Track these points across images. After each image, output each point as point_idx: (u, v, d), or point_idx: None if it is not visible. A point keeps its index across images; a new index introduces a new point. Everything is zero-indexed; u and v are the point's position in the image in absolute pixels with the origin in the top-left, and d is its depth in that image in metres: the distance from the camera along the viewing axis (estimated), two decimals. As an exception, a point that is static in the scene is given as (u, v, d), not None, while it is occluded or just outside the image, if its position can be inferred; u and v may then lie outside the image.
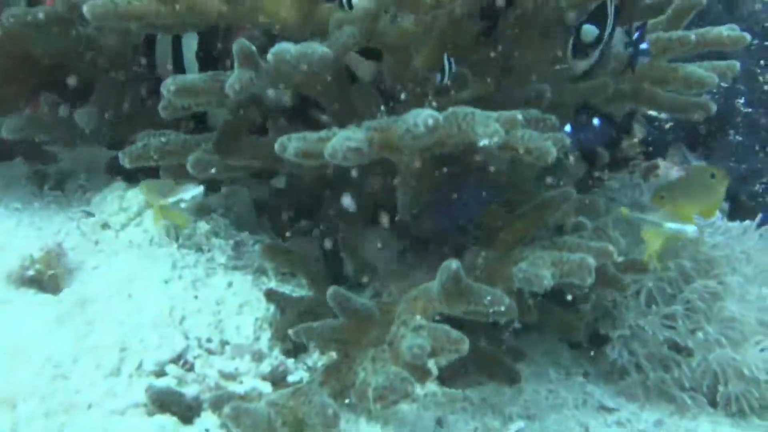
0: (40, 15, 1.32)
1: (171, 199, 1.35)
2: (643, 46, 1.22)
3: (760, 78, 2.24)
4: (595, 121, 1.31)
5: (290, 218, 1.65)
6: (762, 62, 2.28)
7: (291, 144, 1.04)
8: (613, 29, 1.29)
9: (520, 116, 1.05)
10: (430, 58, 1.26)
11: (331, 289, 1.11)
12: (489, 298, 1.02)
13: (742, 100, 2.17)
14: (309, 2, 1.19)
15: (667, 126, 1.99)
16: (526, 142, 1.06)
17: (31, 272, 1.30)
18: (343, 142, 1.00)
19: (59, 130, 1.50)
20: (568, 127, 1.26)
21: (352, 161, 1.02)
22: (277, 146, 1.05)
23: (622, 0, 1.30)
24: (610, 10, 1.27)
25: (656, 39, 1.27)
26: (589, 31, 1.26)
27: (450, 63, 1.18)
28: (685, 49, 1.31)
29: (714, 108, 1.42)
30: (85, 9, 1.12)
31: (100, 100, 1.49)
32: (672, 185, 1.40)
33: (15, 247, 1.36)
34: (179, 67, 1.52)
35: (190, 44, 1.53)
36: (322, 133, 1.06)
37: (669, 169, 1.89)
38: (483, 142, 1.02)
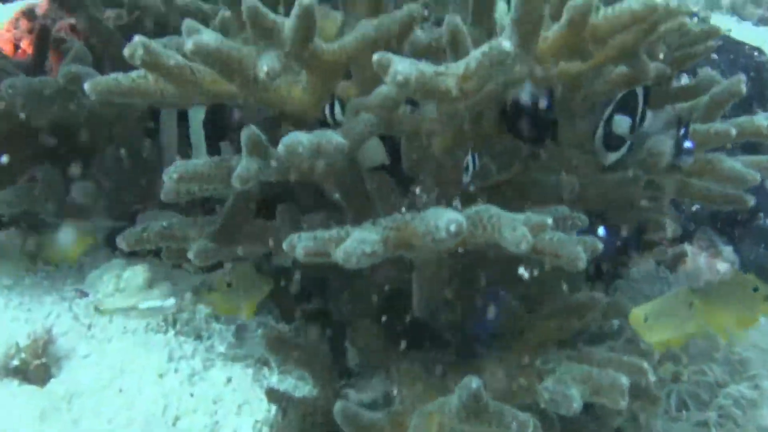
0: (41, 86, 1.25)
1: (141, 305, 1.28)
2: (688, 144, 1.13)
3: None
4: (601, 231, 1.22)
5: (296, 299, 1.56)
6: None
7: (300, 243, 0.96)
8: (643, 117, 1.22)
9: (550, 220, 0.97)
10: (451, 145, 1.19)
11: (338, 405, 1.02)
12: (514, 424, 0.92)
13: (775, 183, 2.08)
14: (323, 85, 1.11)
15: (694, 209, 1.90)
16: (556, 248, 0.98)
17: (16, 362, 1.21)
18: (357, 245, 0.92)
19: (55, 203, 1.41)
20: (601, 230, 1.17)
21: (367, 264, 0.94)
22: (285, 245, 0.97)
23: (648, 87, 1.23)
24: (641, 98, 1.20)
25: (693, 131, 1.19)
26: (623, 121, 1.18)
27: (474, 158, 1.11)
28: (724, 143, 1.23)
29: (751, 202, 1.34)
30: (86, 86, 1.05)
31: (99, 173, 1.41)
32: (707, 290, 1.30)
33: (1, 331, 1.27)
34: (184, 137, 1.45)
35: (197, 114, 1.46)
36: (334, 232, 0.98)
37: (697, 256, 1.79)
38: (509, 248, 0.94)
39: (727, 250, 1.89)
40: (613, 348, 1.15)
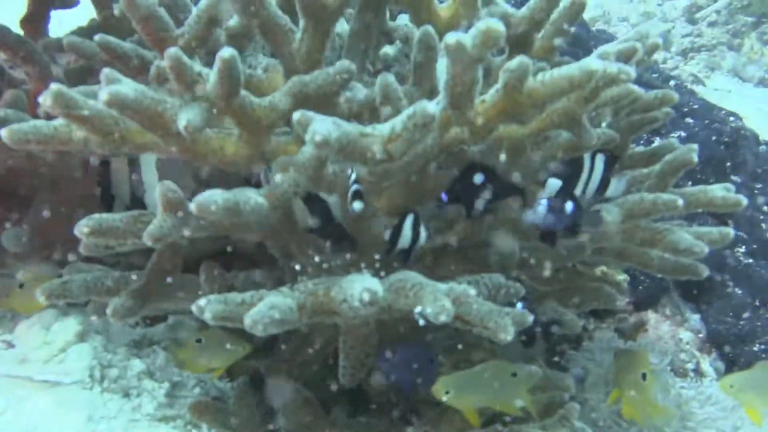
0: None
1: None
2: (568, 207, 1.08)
3: (763, 225, 2.12)
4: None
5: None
6: (766, 208, 2.16)
7: (209, 306, 0.91)
8: (605, 184, 1.18)
9: (473, 291, 0.92)
10: (386, 207, 1.15)
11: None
12: None
13: (743, 249, 2.04)
14: (255, 139, 1.07)
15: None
16: (482, 319, 0.93)
17: (-75, 416, 1.15)
18: (266, 311, 0.87)
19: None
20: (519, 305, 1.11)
21: (278, 330, 0.89)
22: (194, 308, 0.91)
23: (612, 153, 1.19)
24: (589, 165, 1.16)
25: (641, 200, 1.15)
26: (552, 185, 1.14)
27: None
28: (674, 213, 1.18)
29: (706, 273, 1.29)
30: (3, 133, 1.00)
31: (34, 220, 1.36)
32: (742, 377, 1.25)
33: None
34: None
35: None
36: (247, 295, 0.93)
37: (660, 324, 1.73)
38: (430, 318, 0.89)
39: (694, 318, 1.84)
40: (545, 426, 1.08)
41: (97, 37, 1.20)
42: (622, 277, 1.75)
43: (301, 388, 1.23)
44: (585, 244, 1.17)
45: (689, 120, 2.18)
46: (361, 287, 0.87)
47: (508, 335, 0.91)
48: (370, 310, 0.89)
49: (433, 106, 0.87)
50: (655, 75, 2.55)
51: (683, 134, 2.12)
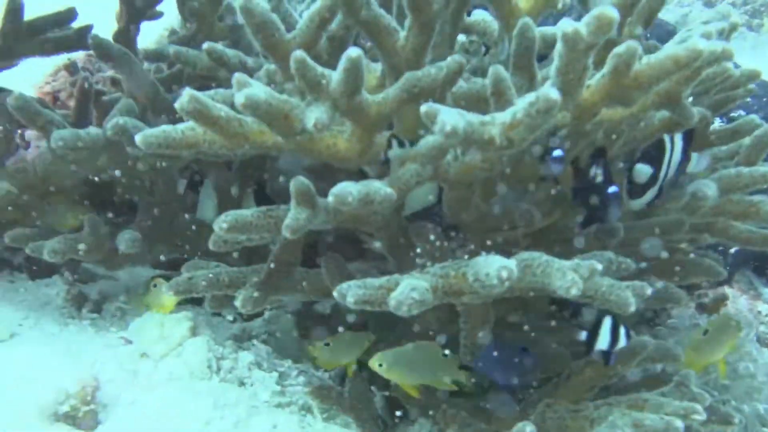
0: (89, 139, 1.28)
1: None
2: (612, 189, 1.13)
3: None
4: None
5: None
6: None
7: (350, 291, 0.97)
8: (686, 160, 1.22)
9: (599, 266, 0.97)
10: (490, 192, 1.20)
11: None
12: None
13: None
14: (367, 135, 1.13)
15: (732, 250, 1.89)
16: (606, 293, 0.98)
17: (65, 408, 1.22)
18: (408, 292, 0.93)
19: (102, 252, 1.44)
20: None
21: (418, 311, 0.95)
22: (336, 294, 0.98)
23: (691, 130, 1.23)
24: (669, 146, 1.20)
25: (738, 174, 1.19)
26: (643, 171, 1.18)
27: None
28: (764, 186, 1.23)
29: (793, 242, 1.33)
30: (137, 139, 1.07)
31: (143, 222, 1.44)
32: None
33: (49, 378, 1.28)
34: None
35: None
36: (383, 281, 0.99)
37: (737, 298, 1.77)
38: (560, 292, 0.94)
39: (767, 291, 1.87)
40: (663, 393, 1.13)
41: (205, 45, 1.27)
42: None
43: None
44: (683, 219, 1.22)
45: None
46: (497, 266, 0.92)
47: (630, 307, 0.97)
48: (504, 288, 0.94)
49: (555, 92, 0.92)
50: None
51: (742, 112, 2.15)
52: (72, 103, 1.94)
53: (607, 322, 1.10)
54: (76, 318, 1.52)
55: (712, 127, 1.46)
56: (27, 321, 1.46)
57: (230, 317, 1.65)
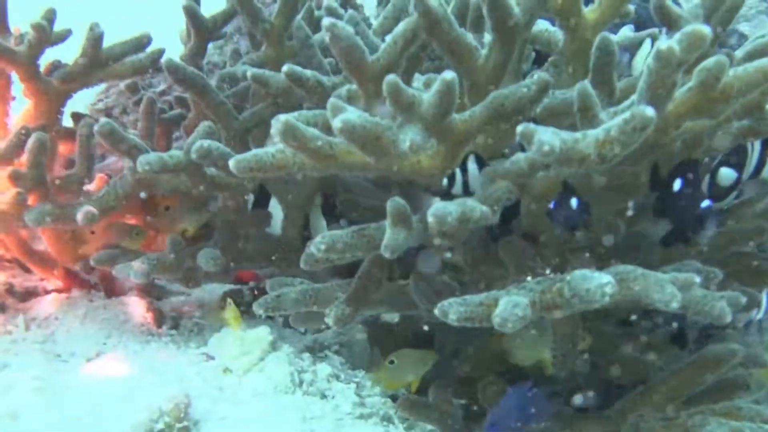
0: (173, 162, 1.31)
1: None
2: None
3: None
4: None
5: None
6: None
7: (452, 309, 1.00)
8: (754, 170, 1.23)
9: (697, 278, 0.99)
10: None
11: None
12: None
13: None
14: (451, 152, 1.15)
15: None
16: (702, 305, 1.00)
17: (160, 425, 1.25)
18: (511, 309, 0.95)
19: (182, 270, 1.47)
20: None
21: (520, 327, 0.97)
22: (438, 312, 1.00)
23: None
24: (750, 151, 1.21)
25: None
26: (728, 175, 1.20)
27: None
28: None
29: None
30: (231, 164, 1.10)
31: (222, 240, 1.47)
32: None
33: (140, 396, 1.31)
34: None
35: None
36: (483, 297, 1.02)
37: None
38: (659, 305, 0.97)
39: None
40: (757, 401, 1.15)
41: (285, 67, 1.30)
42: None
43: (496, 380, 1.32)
44: (764, 225, 1.23)
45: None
46: (598, 282, 0.94)
47: (727, 318, 0.98)
48: (604, 302, 0.96)
49: (651, 110, 0.93)
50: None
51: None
52: (131, 119, 1.98)
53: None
54: (155, 335, 1.56)
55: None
56: (110, 339, 1.50)
57: (301, 328, 1.68)
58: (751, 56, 1.32)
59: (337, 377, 1.47)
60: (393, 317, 1.53)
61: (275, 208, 1.60)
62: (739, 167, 1.21)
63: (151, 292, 1.67)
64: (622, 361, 1.31)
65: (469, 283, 1.32)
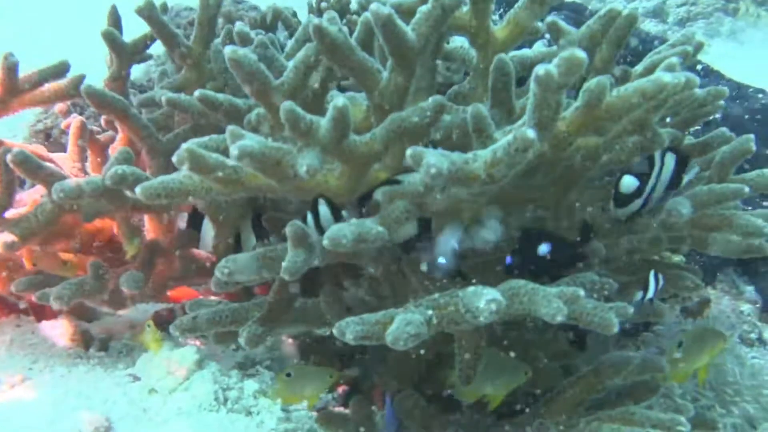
0: (89, 189, 1.33)
1: None
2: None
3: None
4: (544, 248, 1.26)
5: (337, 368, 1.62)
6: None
7: (349, 328, 1.03)
8: (678, 181, 1.28)
9: (582, 292, 1.03)
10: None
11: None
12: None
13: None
14: (356, 174, 1.19)
15: (713, 251, 1.95)
16: (589, 317, 1.04)
17: (81, 450, 1.27)
18: (403, 327, 0.99)
19: (105, 293, 1.49)
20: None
21: (414, 344, 1.01)
22: (335, 332, 1.04)
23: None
24: (659, 163, 1.26)
25: (710, 191, 1.26)
26: (629, 183, 1.25)
27: None
28: (738, 199, 1.29)
29: (770, 250, 1.39)
30: (138, 191, 1.13)
31: (145, 263, 1.49)
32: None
33: (63, 421, 1.33)
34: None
35: None
36: (379, 316, 1.05)
37: (720, 299, 1.84)
38: (546, 319, 1.01)
39: (749, 290, 1.94)
40: (650, 405, 1.19)
41: (196, 93, 1.32)
42: (677, 258, 1.86)
43: (412, 392, 1.35)
44: (661, 236, 1.28)
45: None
46: (486, 298, 0.98)
47: (614, 328, 1.03)
48: (493, 318, 1.00)
49: (532, 132, 0.98)
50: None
51: (718, 116, 2.21)
52: (65, 140, 1.98)
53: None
54: (83, 358, 1.57)
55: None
56: (36, 365, 1.52)
57: (233, 345, 1.70)
58: (647, 71, 1.38)
59: (265, 393, 1.50)
60: (325, 330, 1.57)
61: (209, 226, 1.62)
62: (643, 177, 1.26)
63: (81, 314, 1.68)
64: (536, 370, 1.35)
65: (387, 297, 1.36)
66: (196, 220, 1.62)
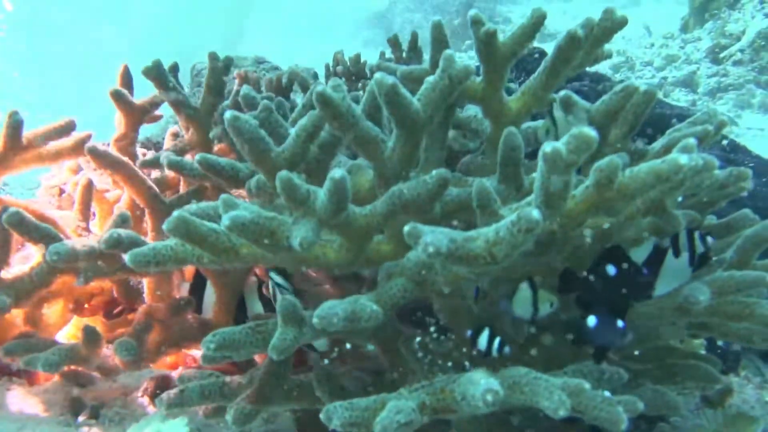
0: (84, 252, 1.29)
1: None
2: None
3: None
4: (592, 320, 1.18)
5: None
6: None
7: (336, 414, 0.96)
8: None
9: (587, 385, 0.96)
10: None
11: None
12: None
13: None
14: (356, 246, 1.14)
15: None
16: (595, 411, 0.97)
17: None
18: (393, 416, 0.93)
19: (98, 359, 1.44)
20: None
21: (404, 433, 0.94)
22: (322, 416, 0.97)
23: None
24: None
25: (730, 278, 1.19)
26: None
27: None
28: (759, 287, 1.22)
29: (794, 340, 1.31)
30: (127, 258, 1.09)
31: (139, 329, 1.44)
32: None
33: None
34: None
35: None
36: (370, 401, 0.99)
37: (743, 387, 1.74)
38: (548, 413, 0.94)
39: (775, 378, 1.84)
40: None
41: (197, 156, 1.29)
42: (698, 342, 1.77)
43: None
44: (678, 324, 1.21)
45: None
46: (482, 388, 0.91)
47: (622, 424, 0.95)
48: (490, 409, 0.93)
49: (537, 213, 0.92)
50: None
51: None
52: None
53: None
54: (72, 426, 1.51)
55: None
56: (24, 431, 1.46)
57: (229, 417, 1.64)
58: (666, 150, 1.32)
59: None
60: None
61: (211, 290, 1.57)
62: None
63: (75, 379, 1.63)
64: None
65: (384, 373, 1.29)
66: (199, 283, 1.58)
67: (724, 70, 6.51)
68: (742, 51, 6.61)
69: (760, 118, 5.78)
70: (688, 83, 6.59)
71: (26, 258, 1.63)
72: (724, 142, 2.49)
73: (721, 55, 6.78)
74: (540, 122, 1.51)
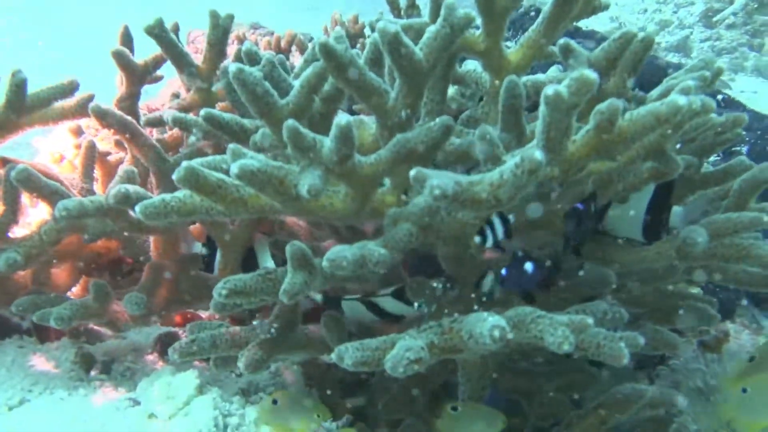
0: (92, 207, 1.31)
1: None
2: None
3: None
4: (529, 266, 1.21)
5: (341, 396, 1.59)
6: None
7: (348, 354, 0.99)
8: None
9: (590, 320, 0.99)
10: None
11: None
12: None
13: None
14: (361, 195, 1.16)
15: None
16: (598, 347, 1.00)
17: (73, 477, 1.24)
18: (402, 354, 0.95)
19: (108, 315, 1.46)
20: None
21: (413, 371, 0.97)
22: (334, 357, 1.00)
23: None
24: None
25: (727, 220, 1.21)
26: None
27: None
28: (757, 229, 1.25)
29: (791, 282, 1.34)
30: (138, 209, 1.10)
31: (148, 284, 1.46)
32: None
33: (61, 447, 1.30)
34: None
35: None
36: (380, 341, 1.01)
37: (739, 334, 1.78)
38: (552, 348, 0.96)
39: (768, 325, 1.88)
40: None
41: (202, 112, 1.30)
42: (695, 291, 1.80)
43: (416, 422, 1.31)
44: (677, 265, 1.24)
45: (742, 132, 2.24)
46: (489, 325, 0.94)
47: (624, 359, 0.98)
48: (499, 346, 0.96)
49: (540, 153, 0.94)
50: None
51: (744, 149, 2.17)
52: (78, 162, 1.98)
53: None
54: (84, 381, 1.54)
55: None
56: (36, 387, 1.48)
57: (237, 371, 1.67)
58: (663, 96, 1.34)
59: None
60: (331, 357, 1.53)
61: None
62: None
63: (84, 336, 1.65)
64: (543, 402, 1.31)
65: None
66: (212, 242, 1.60)
67: (717, 34, 6.50)
68: (735, 14, 6.59)
69: (753, 81, 5.79)
70: (682, 48, 6.58)
71: (29, 225, 1.65)
72: (719, 96, 2.51)
73: (714, 19, 6.76)
74: (540, 75, 1.53)
